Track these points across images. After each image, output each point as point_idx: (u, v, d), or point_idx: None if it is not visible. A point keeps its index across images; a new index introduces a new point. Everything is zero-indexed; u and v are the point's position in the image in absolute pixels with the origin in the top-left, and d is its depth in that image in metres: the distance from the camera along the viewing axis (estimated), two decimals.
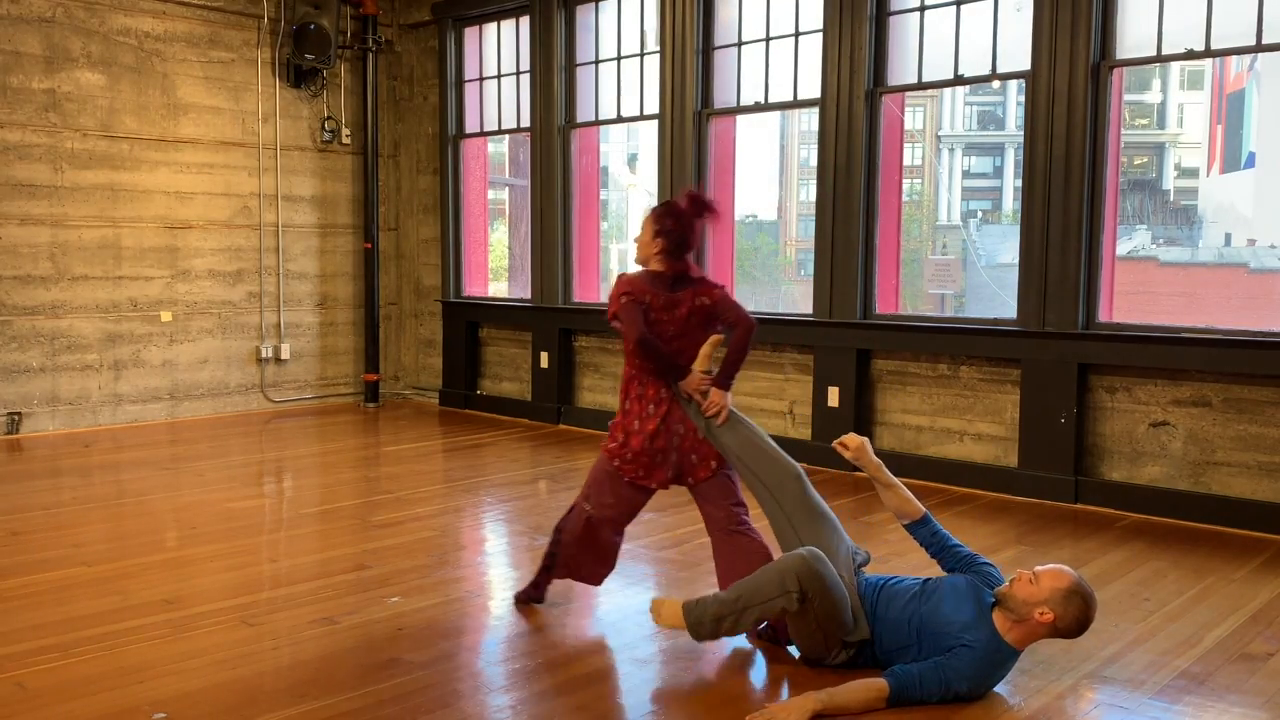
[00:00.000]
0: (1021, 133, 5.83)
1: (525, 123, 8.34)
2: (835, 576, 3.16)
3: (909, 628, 3.18)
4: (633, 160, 14.66)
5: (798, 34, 6.65)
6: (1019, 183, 5.99)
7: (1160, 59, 5.44)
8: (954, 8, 5.97)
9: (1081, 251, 5.50)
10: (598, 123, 7.93)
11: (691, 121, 7.04)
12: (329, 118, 8.80)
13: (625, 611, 3.89)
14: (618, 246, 13.98)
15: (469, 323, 8.76)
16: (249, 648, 3.50)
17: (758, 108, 6.95)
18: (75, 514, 5.32)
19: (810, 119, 10.38)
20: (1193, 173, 19.44)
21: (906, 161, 7.53)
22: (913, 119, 20.69)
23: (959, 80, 6.09)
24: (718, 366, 3.63)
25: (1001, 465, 5.88)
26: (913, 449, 6.24)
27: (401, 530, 4.99)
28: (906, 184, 12.51)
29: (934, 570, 3.48)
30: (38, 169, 7.41)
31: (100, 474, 6.27)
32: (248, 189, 8.42)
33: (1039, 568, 3.11)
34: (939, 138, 22.72)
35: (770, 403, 6.87)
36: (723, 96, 7.05)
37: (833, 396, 6.43)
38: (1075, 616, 3.03)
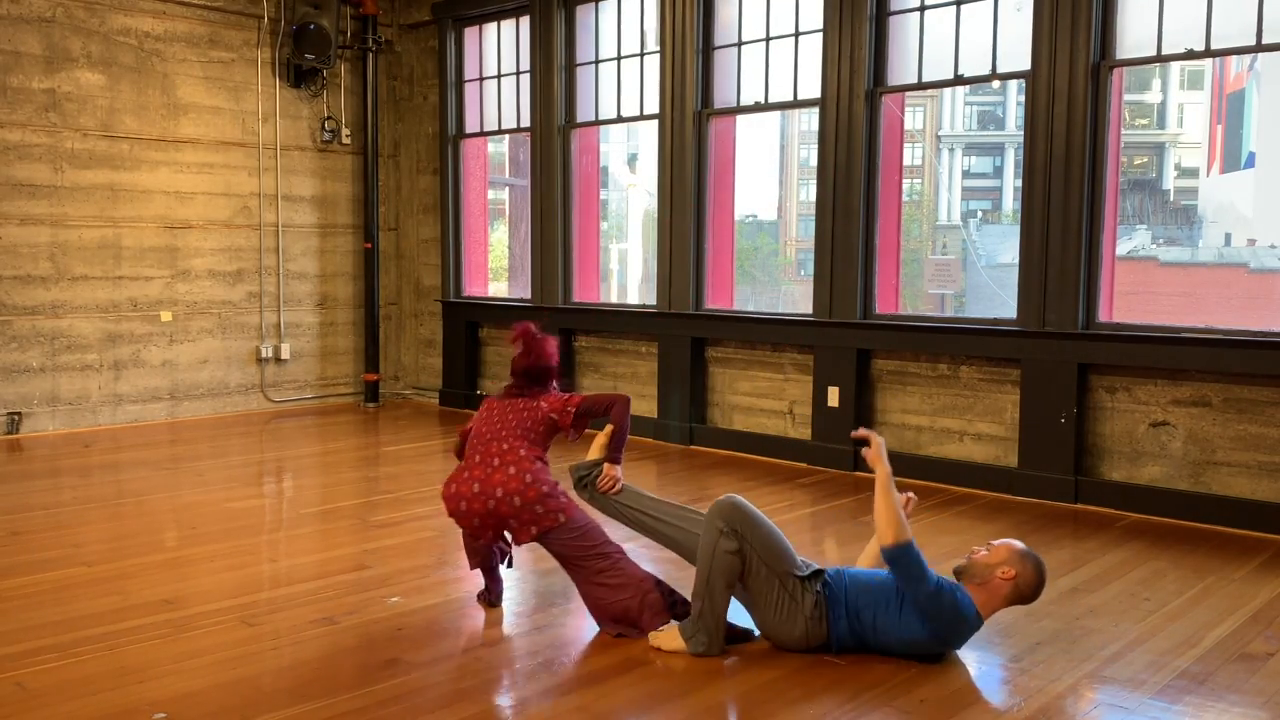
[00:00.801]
0: (1021, 133, 5.83)
1: (525, 123, 8.34)
2: (756, 511, 3.41)
3: (887, 586, 3.37)
4: (633, 160, 14.66)
5: (798, 34, 6.66)
6: (1019, 183, 5.99)
7: (1160, 59, 5.44)
8: (954, 8, 5.97)
9: (1081, 251, 5.50)
10: (598, 123, 7.93)
11: (691, 121, 7.04)
12: (329, 118, 8.80)
13: None
14: (618, 246, 13.97)
15: (469, 323, 8.76)
16: (249, 648, 3.50)
17: (758, 108, 6.95)
18: (75, 514, 5.32)
19: (810, 119, 10.39)
20: (1193, 173, 19.45)
21: (906, 161, 7.53)
22: (913, 119, 20.70)
23: (959, 80, 6.09)
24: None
25: (1001, 465, 5.88)
26: (913, 449, 6.24)
27: (401, 530, 4.99)
28: (906, 184, 12.52)
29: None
30: (38, 169, 7.41)
31: (100, 474, 6.27)
32: (248, 189, 8.42)
33: (992, 541, 3.45)
34: (939, 138, 22.73)
35: (770, 403, 6.87)
36: (723, 96, 7.05)
37: (833, 396, 6.43)
38: (1032, 572, 3.33)
